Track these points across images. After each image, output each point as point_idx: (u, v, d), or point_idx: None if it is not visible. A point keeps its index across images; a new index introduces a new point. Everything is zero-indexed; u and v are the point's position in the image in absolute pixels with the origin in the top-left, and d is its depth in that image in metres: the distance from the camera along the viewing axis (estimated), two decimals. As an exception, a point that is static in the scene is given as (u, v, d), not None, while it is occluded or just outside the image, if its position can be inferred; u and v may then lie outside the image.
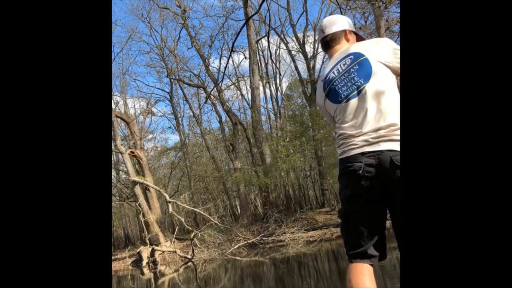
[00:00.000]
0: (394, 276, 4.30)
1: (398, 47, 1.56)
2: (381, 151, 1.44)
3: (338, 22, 1.75)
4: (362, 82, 1.53)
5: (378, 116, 1.48)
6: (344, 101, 1.57)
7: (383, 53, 1.55)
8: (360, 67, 1.55)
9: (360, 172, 1.46)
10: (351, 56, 1.60)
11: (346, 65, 1.59)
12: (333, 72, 1.64)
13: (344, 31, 1.74)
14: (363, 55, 1.56)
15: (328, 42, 1.74)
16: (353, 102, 1.54)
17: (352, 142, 1.52)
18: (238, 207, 18.46)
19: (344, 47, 1.69)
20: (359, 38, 1.80)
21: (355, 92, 1.54)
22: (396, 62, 1.54)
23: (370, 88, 1.51)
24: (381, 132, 1.46)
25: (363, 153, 1.48)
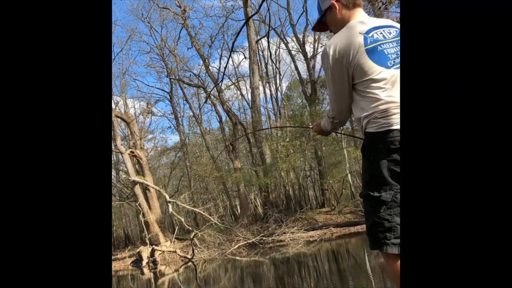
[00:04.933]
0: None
1: None
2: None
3: None
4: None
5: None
6: (394, 67, 1.49)
7: None
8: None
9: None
10: (396, 29, 1.56)
11: (392, 35, 1.55)
12: (378, 33, 1.54)
13: None
14: None
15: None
16: (398, 73, 1.48)
17: (397, 115, 1.43)
18: (238, 207, 18.46)
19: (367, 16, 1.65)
20: None
21: (398, 65, 1.48)
22: None
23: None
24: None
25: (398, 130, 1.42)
